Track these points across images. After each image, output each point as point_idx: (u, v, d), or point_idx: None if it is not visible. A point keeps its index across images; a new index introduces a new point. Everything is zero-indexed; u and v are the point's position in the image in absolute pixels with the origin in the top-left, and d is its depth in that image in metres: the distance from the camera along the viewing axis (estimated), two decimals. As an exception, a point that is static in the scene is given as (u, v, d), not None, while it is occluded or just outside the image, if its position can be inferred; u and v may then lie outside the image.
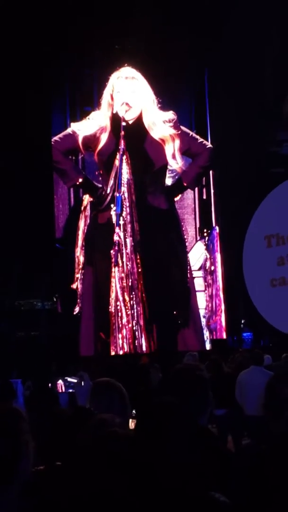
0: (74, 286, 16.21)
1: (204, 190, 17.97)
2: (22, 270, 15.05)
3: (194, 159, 17.16)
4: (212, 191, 17.76)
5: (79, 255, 16.35)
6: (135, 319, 15.81)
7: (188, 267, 16.78)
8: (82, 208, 16.65)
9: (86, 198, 16.68)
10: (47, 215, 16.02)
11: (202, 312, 16.91)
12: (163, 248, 16.38)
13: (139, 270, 15.88)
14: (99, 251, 16.11)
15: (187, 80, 17.86)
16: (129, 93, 16.39)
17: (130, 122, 16.30)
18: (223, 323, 16.86)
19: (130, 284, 15.82)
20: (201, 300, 16.97)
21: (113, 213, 15.82)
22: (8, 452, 2.09)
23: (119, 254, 15.72)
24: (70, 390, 11.02)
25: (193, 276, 16.87)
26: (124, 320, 15.74)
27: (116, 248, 15.65)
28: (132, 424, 3.39)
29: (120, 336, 15.74)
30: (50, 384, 10.87)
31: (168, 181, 17.09)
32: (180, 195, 17.40)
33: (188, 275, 16.69)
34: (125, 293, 15.78)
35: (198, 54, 16.81)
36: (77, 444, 2.21)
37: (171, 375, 2.99)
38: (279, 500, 2.19)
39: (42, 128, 15.73)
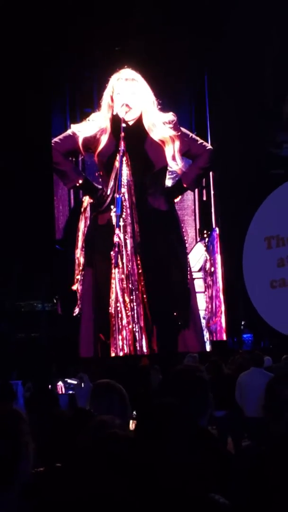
0: (74, 287, 16.21)
1: (204, 191, 17.96)
2: (22, 271, 15.06)
3: (194, 161, 17.16)
4: (212, 192, 17.75)
5: (79, 257, 16.35)
6: (135, 320, 15.80)
7: (188, 268, 16.77)
8: (82, 209, 16.64)
9: (86, 200, 16.68)
10: (47, 216, 16.04)
11: (202, 313, 16.91)
12: (163, 250, 16.37)
13: (139, 271, 15.87)
14: (99, 252, 16.11)
15: (187, 80, 17.85)
16: (129, 94, 16.40)
17: (130, 124, 16.30)
18: (223, 325, 16.86)
19: (130, 285, 15.82)
20: (201, 302, 16.96)
21: (113, 214, 15.82)
22: (8, 453, 2.09)
23: (119, 256, 15.71)
24: (70, 392, 10.97)
25: (193, 277, 16.87)
26: (124, 321, 15.74)
27: (116, 249, 15.65)
28: (132, 425, 3.39)
29: (120, 337, 15.74)
30: (50, 386, 10.87)
31: (168, 183, 17.08)
32: (180, 197, 17.39)
33: (188, 276, 16.69)
34: (125, 295, 15.77)
35: (198, 54, 16.82)
36: (77, 446, 2.21)
37: (171, 376, 2.99)
38: (279, 501, 2.19)
39: (42, 128, 15.74)
